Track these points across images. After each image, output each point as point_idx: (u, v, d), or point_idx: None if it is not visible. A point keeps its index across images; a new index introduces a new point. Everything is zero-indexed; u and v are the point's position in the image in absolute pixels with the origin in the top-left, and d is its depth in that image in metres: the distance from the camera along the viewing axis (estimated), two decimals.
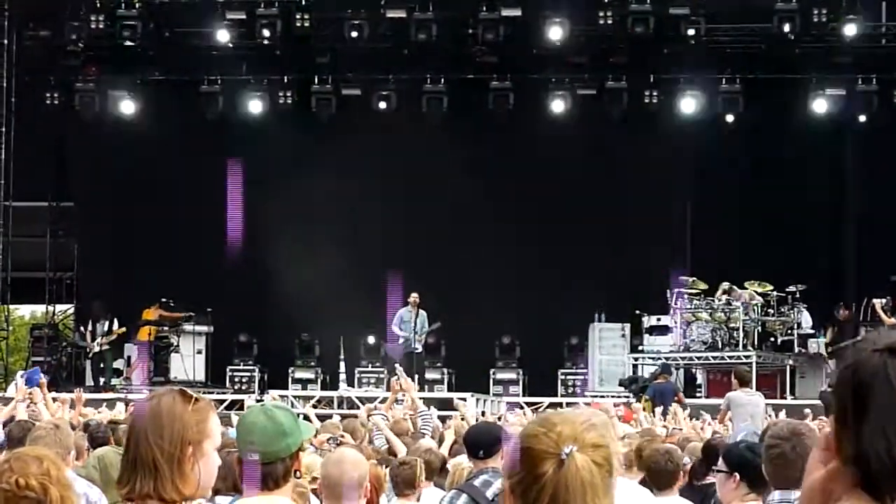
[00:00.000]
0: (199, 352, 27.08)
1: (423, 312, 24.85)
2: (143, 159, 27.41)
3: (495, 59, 27.47)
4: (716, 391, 23.78)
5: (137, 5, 26.63)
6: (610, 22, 26.17)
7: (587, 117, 27.31)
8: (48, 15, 27.34)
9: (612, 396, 23.39)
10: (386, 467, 8.31)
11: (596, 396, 24.04)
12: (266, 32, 26.31)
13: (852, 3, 25.84)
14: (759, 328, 24.81)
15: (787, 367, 24.93)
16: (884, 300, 24.40)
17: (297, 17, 26.39)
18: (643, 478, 8.05)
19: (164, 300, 26.89)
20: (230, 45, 27.02)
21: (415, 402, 13.22)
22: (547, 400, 24.24)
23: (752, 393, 17.74)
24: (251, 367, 27.07)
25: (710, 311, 24.70)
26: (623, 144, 26.89)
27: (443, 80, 27.34)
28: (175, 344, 26.84)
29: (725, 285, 24.64)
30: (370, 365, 26.58)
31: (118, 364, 26.80)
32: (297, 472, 4.50)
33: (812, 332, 25.32)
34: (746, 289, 24.68)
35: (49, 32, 27.50)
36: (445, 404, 17.62)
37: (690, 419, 16.58)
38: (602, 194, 27.05)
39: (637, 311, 26.34)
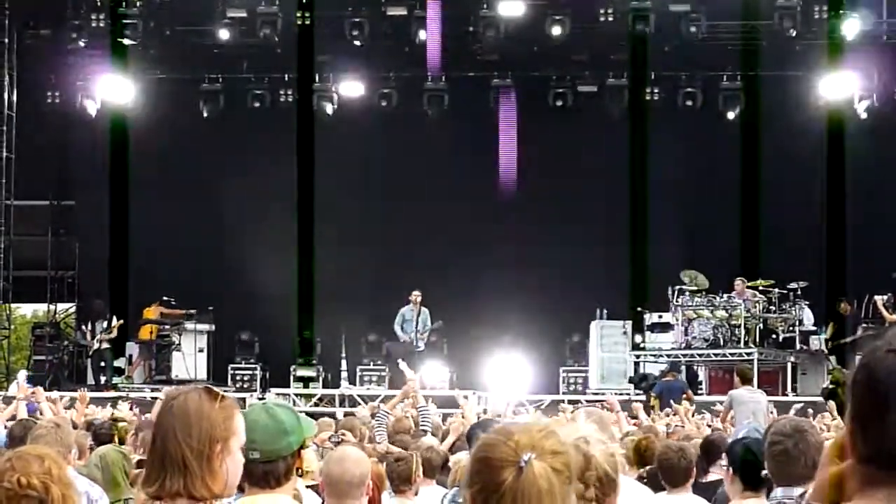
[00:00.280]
0: (201, 350, 27.07)
1: (425, 310, 24.87)
2: (144, 158, 27.39)
3: (496, 56, 27.49)
4: (717, 388, 23.78)
5: (138, 4, 26.65)
6: (611, 19, 26.16)
7: (588, 115, 27.31)
8: (49, 14, 27.35)
9: (616, 393, 23.36)
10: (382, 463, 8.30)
11: (597, 394, 24.05)
12: (267, 30, 26.32)
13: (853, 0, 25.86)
14: (761, 325, 24.80)
15: (789, 364, 24.92)
16: (885, 297, 24.40)
17: (298, 14, 26.41)
18: (653, 475, 8.05)
19: (164, 298, 26.89)
20: (231, 43, 27.03)
21: (416, 396, 13.21)
22: (549, 397, 24.23)
23: (755, 390, 17.70)
24: (253, 366, 27.07)
25: (711, 308, 24.68)
26: (623, 142, 26.88)
27: (444, 77, 27.35)
28: (176, 342, 26.84)
29: (738, 283, 24.58)
30: (372, 363, 26.58)
31: (119, 363, 26.80)
32: (299, 471, 4.49)
33: (814, 328, 25.30)
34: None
35: (50, 31, 27.52)
36: (447, 402, 17.62)
37: (692, 416, 16.58)
38: (602, 192, 27.04)
39: (638, 309, 26.33)
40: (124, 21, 26.43)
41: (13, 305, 30.80)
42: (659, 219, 26.66)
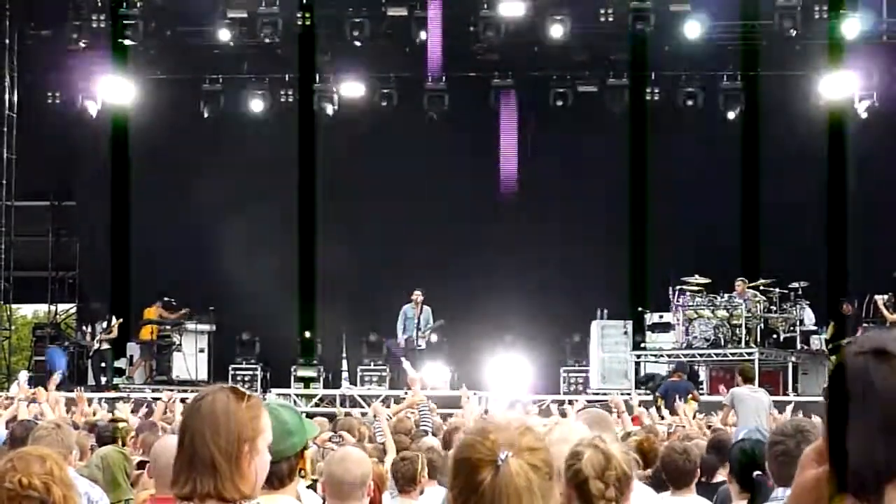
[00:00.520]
0: (202, 350, 27.07)
1: (427, 308, 24.89)
2: (144, 158, 27.39)
3: (496, 56, 27.48)
4: (718, 388, 23.77)
5: (139, 4, 26.65)
6: (611, 19, 26.16)
7: (588, 115, 27.30)
8: (49, 14, 27.36)
9: (616, 394, 23.35)
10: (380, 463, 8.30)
11: (597, 394, 24.04)
12: (267, 31, 26.33)
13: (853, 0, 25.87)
14: (762, 325, 24.79)
15: (790, 364, 24.92)
16: (886, 296, 24.41)
17: (298, 15, 26.41)
18: (656, 476, 8.04)
19: (165, 299, 26.89)
20: (231, 43, 27.03)
21: (418, 395, 13.19)
22: (549, 397, 24.22)
23: (757, 390, 17.64)
24: (253, 366, 27.07)
25: (712, 307, 24.69)
26: (623, 142, 26.86)
27: (444, 78, 27.35)
28: (177, 343, 26.84)
29: (739, 283, 24.58)
30: (372, 363, 26.58)
31: (120, 363, 26.80)
32: (302, 471, 4.50)
33: (815, 328, 25.30)
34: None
35: (50, 32, 27.52)
36: (448, 402, 17.61)
37: (694, 416, 16.57)
38: (602, 192, 27.03)
39: (639, 309, 26.33)
40: (125, 22, 26.44)
41: (14, 306, 30.81)
42: (659, 219, 26.65)
